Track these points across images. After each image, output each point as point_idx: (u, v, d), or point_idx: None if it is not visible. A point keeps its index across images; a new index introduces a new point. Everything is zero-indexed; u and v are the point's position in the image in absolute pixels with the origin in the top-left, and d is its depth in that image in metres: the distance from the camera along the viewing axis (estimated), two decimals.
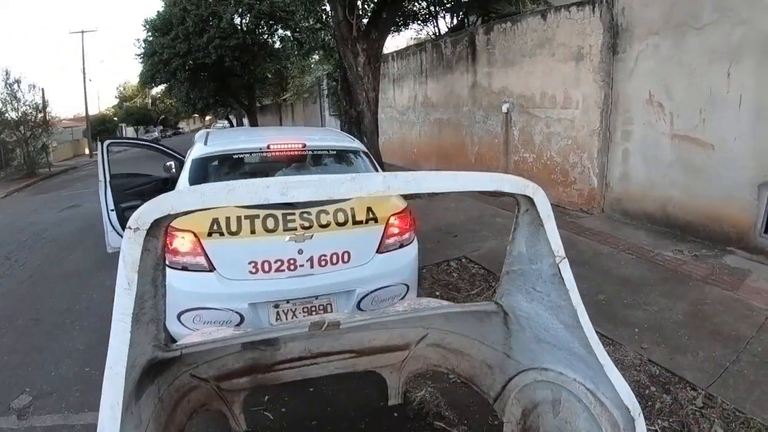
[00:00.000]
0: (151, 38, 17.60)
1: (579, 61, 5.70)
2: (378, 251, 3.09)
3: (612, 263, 4.33)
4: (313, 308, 3.03)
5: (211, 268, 2.88)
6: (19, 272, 5.55)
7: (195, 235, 2.86)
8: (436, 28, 14.59)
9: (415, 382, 2.97)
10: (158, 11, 17.54)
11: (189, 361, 2.08)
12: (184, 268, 2.89)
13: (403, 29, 15.55)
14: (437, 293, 4.20)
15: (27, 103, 19.15)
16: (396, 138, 11.45)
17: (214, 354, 2.13)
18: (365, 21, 8.06)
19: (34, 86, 19.83)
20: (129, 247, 1.22)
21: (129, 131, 46.44)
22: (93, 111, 42.70)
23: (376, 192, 1.32)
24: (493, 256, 4.83)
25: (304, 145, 3.34)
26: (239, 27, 16.85)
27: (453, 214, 6.56)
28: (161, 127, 46.51)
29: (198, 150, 3.38)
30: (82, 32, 28.15)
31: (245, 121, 22.89)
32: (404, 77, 10.76)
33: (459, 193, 7.83)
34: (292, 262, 2.91)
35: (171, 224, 2.93)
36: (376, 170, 3.48)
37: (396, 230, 3.17)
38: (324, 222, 2.93)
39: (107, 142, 4.58)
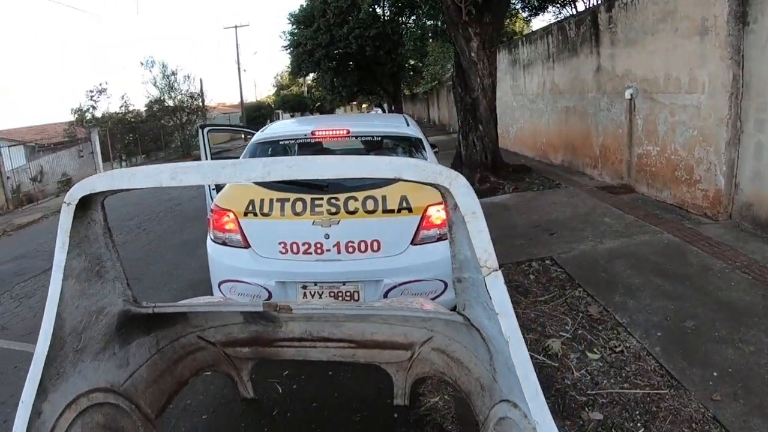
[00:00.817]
0: (295, 30, 19.15)
1: (704, 36, 4.65)
2: (413, 242, 2.97)
3: (719, 283, 3.50)
4: (340, 293, 3.03)
5: (247, 245, 3.07)
6: (142, 239, 6.64)
7: (234, 214, 3.07)
8: (574, 11, 13.29)
9: (435, 386, 2.81)
10: (301, 5, 19.00)
11: (195, 324, 2.29)
12: (224, 243, 3.13)
13: (540, 13, 14.51)
14: None
15: (183, 92, 22.44)
16: (527, 127, 10.85)
17: (219, 321, 2.31)
18: (477, 3, 7.65)
19: (188, 77, 23.29)
20: (63, 217, 1.46)
21: (286, 117, 51.59)
22: (251, 99, 48.35)
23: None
24: (583, 260, 4.30)
25: (349, 132, 3.34)
26: (380, 16, 17.37)
27: (559, 209, 6.00)
28: (318, 114, 50.33)
29: (255, 136, 3.62)
30: (236, 27, 31.72)
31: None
32: (533, 63, 10.07)
33: (561, 188, 7.12)
34: (318, 245, 2.96)
35: (216, 203, 3.22)
36: (425, 158, 3.31)
37: (436, 221, 2.99)
38: (351, 209, 2.92)
39: (207, 129, 5.11)
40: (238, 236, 3.08)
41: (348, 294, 3.03)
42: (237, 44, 31.65)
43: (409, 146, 3.47)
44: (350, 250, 2.96)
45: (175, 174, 1.31)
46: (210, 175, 1.29)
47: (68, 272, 1.51)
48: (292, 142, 3.51)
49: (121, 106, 20.74)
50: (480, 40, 7.61)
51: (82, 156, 17.43)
